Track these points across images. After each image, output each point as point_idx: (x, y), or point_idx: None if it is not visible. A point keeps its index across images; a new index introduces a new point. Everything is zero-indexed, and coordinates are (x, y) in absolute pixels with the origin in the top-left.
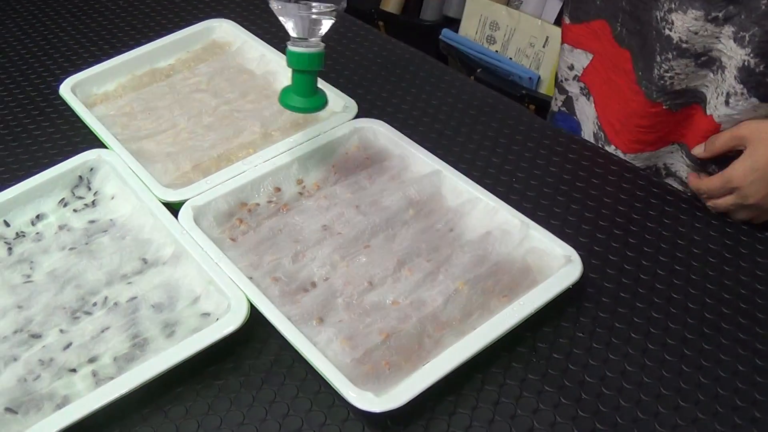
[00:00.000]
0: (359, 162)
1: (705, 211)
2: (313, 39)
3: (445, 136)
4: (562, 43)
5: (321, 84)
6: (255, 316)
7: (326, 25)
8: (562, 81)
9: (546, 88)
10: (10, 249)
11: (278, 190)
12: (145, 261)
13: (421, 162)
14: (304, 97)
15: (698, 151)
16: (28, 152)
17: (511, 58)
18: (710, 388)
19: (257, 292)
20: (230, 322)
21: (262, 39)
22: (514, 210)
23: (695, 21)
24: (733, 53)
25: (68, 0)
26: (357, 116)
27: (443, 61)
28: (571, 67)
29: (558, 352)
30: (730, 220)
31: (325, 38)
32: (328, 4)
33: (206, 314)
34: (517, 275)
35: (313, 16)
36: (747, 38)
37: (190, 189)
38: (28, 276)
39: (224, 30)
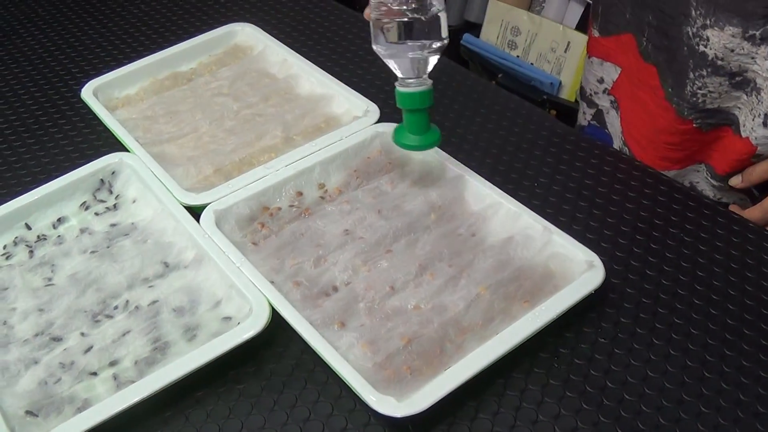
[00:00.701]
0: (381, 166)
1: (727, 217)
2: (420, 77)
3: (467, 140)
4: (590, 56)
5: (342, 87)
6: (276, 320)
7: (432, 62)
8: (591, 94)
9: (567, 94)
10: (31, 252)
11: (300, 194)
12: (166, 265)
13: (442, 166)
14: (419, 135)
15: (735, 181)
16: (50, 155)
17: (532, 64)
18: (732, 394)
19: (279, 296)
20: (252, 326)
21: (284, 43)
22: (536, 215)
23: (732, 38)
24: None
25: (90, 3)
26: (379, 120)
27: (464, 66)
28: (601, 81)
29: (580, 358)
30: (752, 225)
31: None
32: (436, 42)
33: (228, 318)
34: (539, 280)
35: (420, 56)
36: None
37: (211, 193)
38: (50, 279)
39: (246, 34)
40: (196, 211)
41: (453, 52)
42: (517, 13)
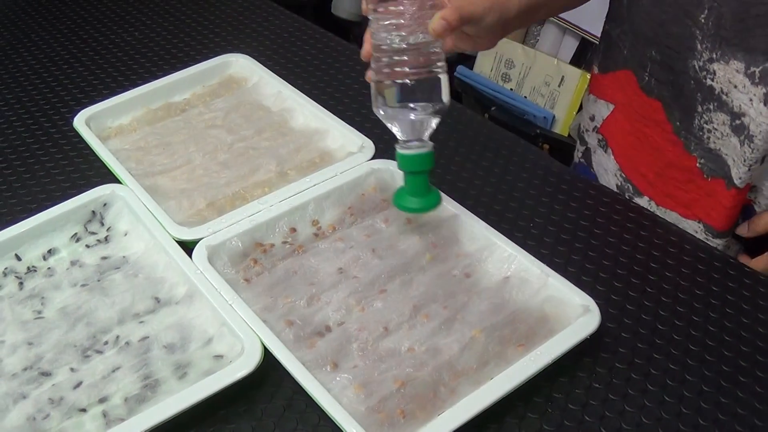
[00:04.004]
0: (375, 204)
1: (723, 261)
2: (421, 140)
3: (462, 178)
4: (589, 93)
5: (337, 122)
6: (268, 360)
7: (433, 124)
8: (583, 132)
9: (560, 128)
10: (21, 284)
11: (294, 230)
12: (157, 300)
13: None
14: (419, 197)
15: (742, 231)
16: (41, 185)
17: (525, 97)
18: None
19: (271, 335)
20: (244, 365)
21: (278, 74)
22: (533, 257)
23: (737, 73)
24: (764, 118)
25: (84, 31)
26: (374, 156)
27: (458, 98)
28: (592, 118)
29: (574, 403)
30: (748, 269)
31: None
32: (437, 104)
33: (219, 356)
34: (534, 324)
35: (420, 118)
36: None
37: (204, 228)
38: (39, 312)
39: (241, 65)
40: (188, 246)
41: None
42: (512, 45)
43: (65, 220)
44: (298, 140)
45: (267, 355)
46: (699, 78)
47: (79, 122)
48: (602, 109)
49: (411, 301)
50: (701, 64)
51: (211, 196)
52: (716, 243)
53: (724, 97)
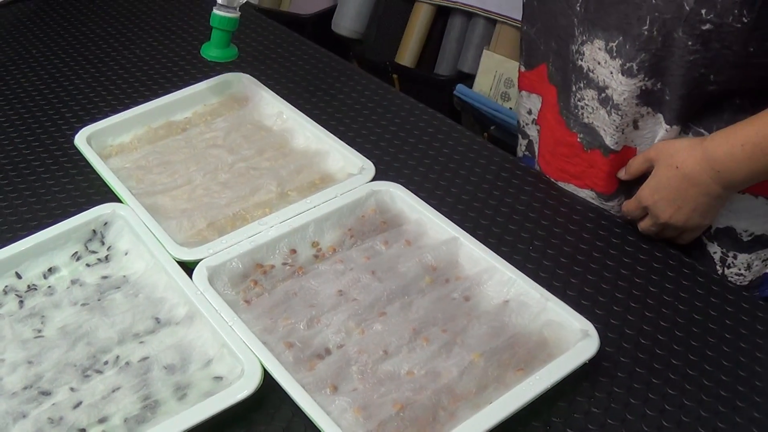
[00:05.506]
0: (375, 226)
1: (721, 286)
2: (233, 7)
3: (462, 200)
4: (520, 90)
5: (338, 143)
6: (268, 382)
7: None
8: (523, 126)
9: None
10: (21, 302)
11: (294, 252)
12: (158, 320)
13: (438, 228)
14: (220, 50)
15: (621, 174)
16: (41, 202)
17: None
18: None
19: (271, 357)
20: (243, 387)
21: (279, 94)
22: (532, 281)
23: (599, 50)
24: (624, 87)
25: (86, 49)
26: (374, 178)
27: (457, 117)
28: (530, 112)
29: (573, 428)
30: (746, 293)
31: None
32: None
33: (219, 378)
34: (534, 348)
35: None
36: (635, 66)
37: (205, 248)
38: (39, 331)
39: (242, 84)
40: (188, 266)
41: (446, 103)
42: (511, 64)
43: (66, 238)
44: (299, 161)
45: (266, 377)
46: (574, 60)
47: (80, 140)
48: (535, 102)
49: (410, 324)
50: (576, 47)
51: (211, 216)
52: (608, 206)
53: (591, 74)
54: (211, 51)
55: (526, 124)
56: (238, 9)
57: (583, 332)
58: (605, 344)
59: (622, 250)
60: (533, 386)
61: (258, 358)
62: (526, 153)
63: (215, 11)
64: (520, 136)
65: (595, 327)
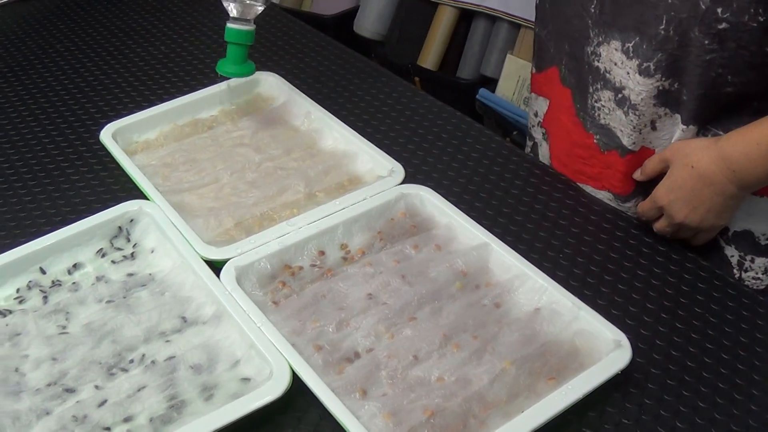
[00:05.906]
0: (405, 229)
1: (752, 298)
2: (247, 19)
3: (491, 205)
4: (531, 92)
5: (367, 145)
6: (296, 384)
7: (259, 9)
8: (530, 128)
9: None
10: (45, 297)
11: (322, 253)
12: (184, 319)
13: (468, 233)
14: (236, 65)
15: (636, 175)
16: (66, 198)
17: None
18: None
19: (300, 360)
20: (272, 389)
21: (307, 94)
22: (564, 289)
23: (615, 51)
24: (641, 87)
25: (111, 44)
26: (403, 181)
27: (478, 121)
28: (536, 114)
29: None
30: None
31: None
32: None
33: (246, 379)
34: (565, 357)
35: (251, 3)
36: (652, 66)
37: (233, 248)
38: (64, 327)
39: (270, 83)
40: (216, 266)
41: (468, 106)
42: None
43: (91, 234)
44: (327, 162)
45: (295, 379)
46: (590, 62)
47: (106, 136)
48: (542, 105)
49: (441, 330)
50: (592, 49)
51: (239, 215)
52: (625, 207)
53: (608, 75)
54: (227, 67)
55: (533, 126)
56: (252, 21)
57: (615, 342)
58: (636, 355)
59: (653, 259)
60: (565, 396)
61: (287, 360)
62: (531, 154)
63: (229, 25)
64: (527, 138)
65: (627, 337)
